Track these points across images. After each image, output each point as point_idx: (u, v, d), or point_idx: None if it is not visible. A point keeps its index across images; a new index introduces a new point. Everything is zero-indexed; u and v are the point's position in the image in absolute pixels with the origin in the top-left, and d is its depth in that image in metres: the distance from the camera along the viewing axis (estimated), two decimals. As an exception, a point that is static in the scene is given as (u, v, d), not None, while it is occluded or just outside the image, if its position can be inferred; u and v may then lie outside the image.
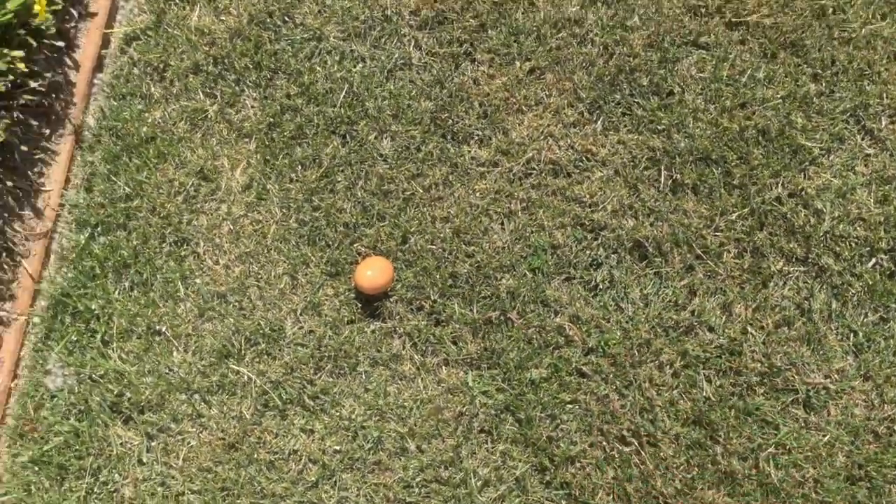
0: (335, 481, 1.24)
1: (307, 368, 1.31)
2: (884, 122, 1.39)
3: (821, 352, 1.27)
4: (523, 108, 1.42)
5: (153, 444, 1.29)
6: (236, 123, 1.39)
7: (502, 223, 1.37)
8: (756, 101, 1.40)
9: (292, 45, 1.42)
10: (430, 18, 1.44)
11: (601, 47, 1.44)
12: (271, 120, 1.39)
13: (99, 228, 1.34)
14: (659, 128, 1.40)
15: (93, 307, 1.30)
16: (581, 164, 1.39)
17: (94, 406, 1.29)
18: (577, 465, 1.24)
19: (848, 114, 1.39)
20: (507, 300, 1.33)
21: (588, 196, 1.37)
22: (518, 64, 1.43)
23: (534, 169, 1.40)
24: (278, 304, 1.33)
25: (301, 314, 1.33)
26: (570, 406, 1.26)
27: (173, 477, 1.25)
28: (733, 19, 1.45)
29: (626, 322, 1.31)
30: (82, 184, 1.37)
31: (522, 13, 1.44)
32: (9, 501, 1.24)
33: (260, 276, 1.34)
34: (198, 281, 1.33)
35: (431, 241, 1.36)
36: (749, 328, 1.28)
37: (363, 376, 1.31)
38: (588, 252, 1.34)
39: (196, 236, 1.35)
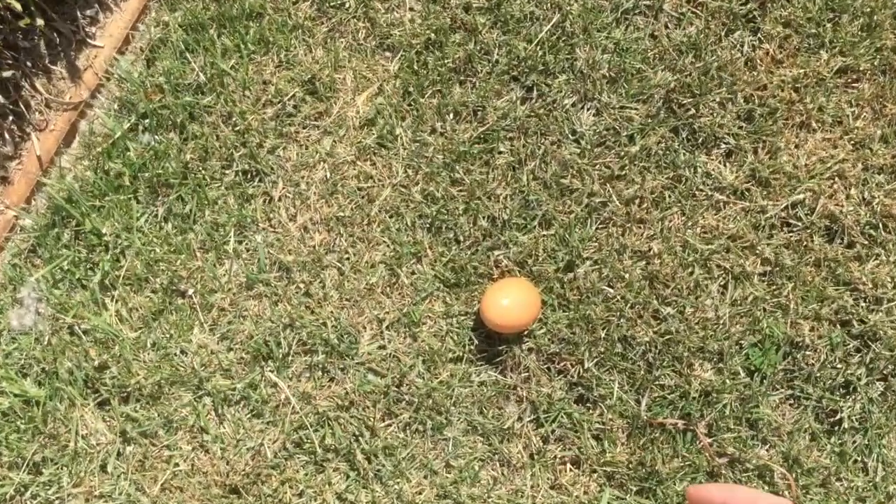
0: None
1: (373, 409, 0.93)
2: None
3: None
4: (813, 123, 1.01)
5: (128, 450, 0.97)
6: (382, 27, 1.03)
7: (725, 285, 0.99)
8: None
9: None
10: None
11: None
12: (432, 36, 1.02)
13: (147, 122, 1.01)
14: None
15: (104, 231, 0.98)
16: (875, 233, 1.00)
17: (64, 372, 0.96)
18: None
19: None
20: (697, 403, 0.99)
21: (870, 284, 0.96)
22: (824, 55, 1.00)
23: (799, 220, 0.98)
24: (360, 305, 0.98)
25: (389, 327, 0.98)
26: None
27: (140, 510, 0.90)
28: None
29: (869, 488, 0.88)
30: (145, 51, 1.03)
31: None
32: None
33: (347, 256, 0.99)
34: (258, 237, 0.98)
35: (610, 280, 0.98)
36: None
37: (450, 445, 0.95)
38: (842, 368, 0.92)
39: (276, 171, 1.00)
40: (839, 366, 1.04)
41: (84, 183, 1.08)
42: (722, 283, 1.07)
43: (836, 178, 1.07)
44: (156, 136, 1.09)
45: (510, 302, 0.99)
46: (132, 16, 1.11)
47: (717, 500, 0.39)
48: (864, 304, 1.04)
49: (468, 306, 1.07)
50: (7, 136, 1.07)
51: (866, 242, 1.06)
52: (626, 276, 1.06)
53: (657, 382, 1.05)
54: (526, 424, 1.04)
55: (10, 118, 1.08)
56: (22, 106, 1.08)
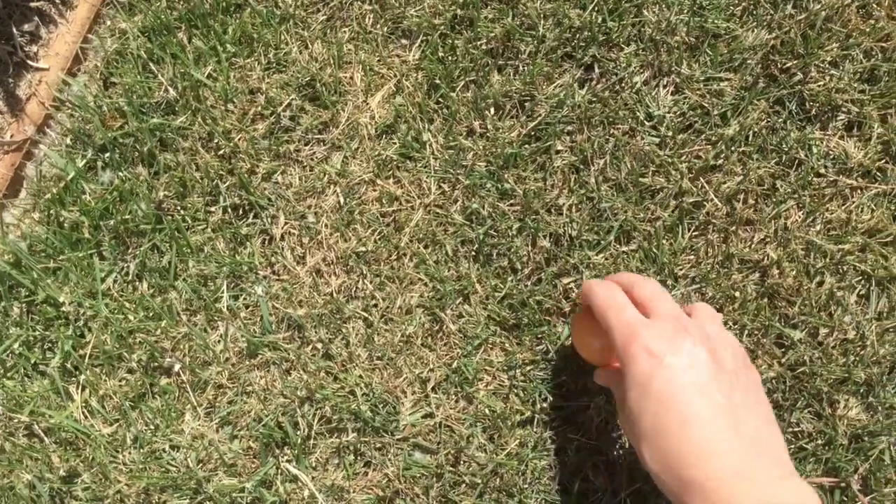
0: None
1: (424, 499, 0.82)
2: None
3: None
4: None
5: None
6: (394, 8, 0.96)
7: (866, 295, 1.02)
8: None
9: None
10: None
11: None
12: (458, 12, 0.93)
13: (107, 156, 0.91)
14: None
15: (62, 300, 0.87)
16: None
17: (22, 488, 0.88)
18: None
19: None
20: (846, 451, 0.95)
21: None
22: None
23: None
24: (396, 363, 0.87)
25: (436, 389, 0.87)
26: None
27: None
28: None
29: None
30: (100, 69, 0.94)
31: None
32: None
33: (374, 303, 0.88)
34: (258, 290, 0.87)
35: (717, 302, 0.87)
36: None
37: None
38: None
39: (275, 203, 0.90)
40: None
41: (34, 241, 0.97)
42: (862, 293, 0.94)
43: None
44: (119, 173, 0.98)
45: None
46: (81, 27, 1.01)
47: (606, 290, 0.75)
48: None
49: (534, 352, 0.94)
50: (-67, 189, 0.97)
51: None
52: (737, 294, 0.94)
53: (791, 430, 0.92)
54: (623, 500, 0.91)
55: (-63, 167, 0.98)
56: (-51, 150, 0.98)
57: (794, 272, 0.94)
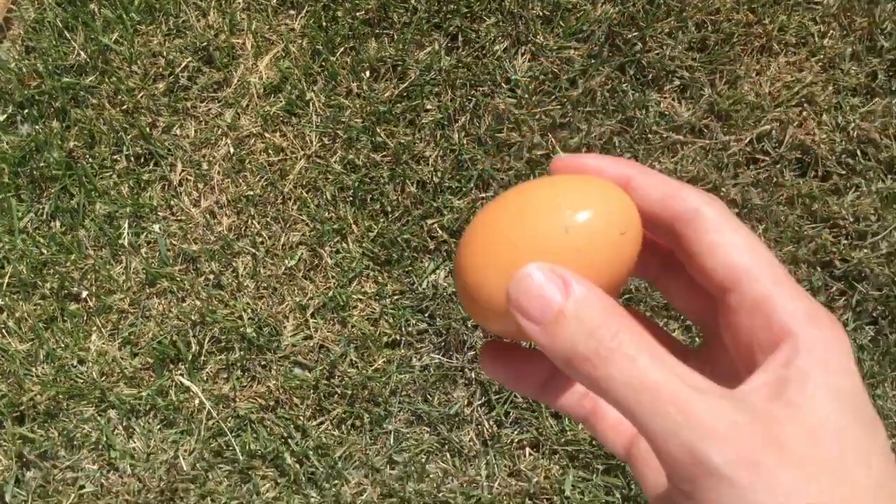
0: None
1: (302, 407, 1.05)
2: None
3: None
4: (774, 45, 1.16)
5: (28, 475, 1.11)
6: (280, -21, 1.16)
7: None
8: None
9: None
10: None
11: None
12: (338, -16, 1.14)
13: (24, 111, 1.14)
14: None
15: (-16, 232, 1.07)
16: (852, 161, 1.17)
17: None
18: None
19: None
20: None
21: (851, 218, 1.16)
22: None
23: (766, 154, 1.10)
24: (280, 292, 1.10)
25: (314, 315, 1.10)
26: None
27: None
28: None
29: None
30: (21, 36, 1.15)
31: None
32: None
33: (261, 239, 1.11)
34: (157, 227, 1.10)
35: None
36: None
37: (391, 438, 1.05)
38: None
39: (173, 152, 1.12)
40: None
41: (-42, 183, 1.19)
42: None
43: (805, 105, 1.18)
44: (36, 126, 1.20)
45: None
46: (6, 0, 1.23)
47: (591, 166, 0.35)
48: (845, 242, 1.15)
49: (401, 284, 1.16)
50: None
51: (844, 172, 1.16)
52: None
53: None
54: (476, 409, 1.14)
55: None
56: None
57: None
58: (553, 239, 0.33)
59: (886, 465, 0.28)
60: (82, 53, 1.23)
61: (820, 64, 1.20)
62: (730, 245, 0.32)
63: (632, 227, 0.34)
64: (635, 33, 1.22)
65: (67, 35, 1.24)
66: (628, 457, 0.38)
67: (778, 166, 1.18)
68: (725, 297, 0.32)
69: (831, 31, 1.21)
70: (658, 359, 0.29)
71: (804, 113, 1.19)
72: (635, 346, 0.29)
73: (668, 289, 0.38)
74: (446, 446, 1.14)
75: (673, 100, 1.21)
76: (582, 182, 0.35)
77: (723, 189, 1.17)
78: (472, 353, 1.15)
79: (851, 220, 1.15)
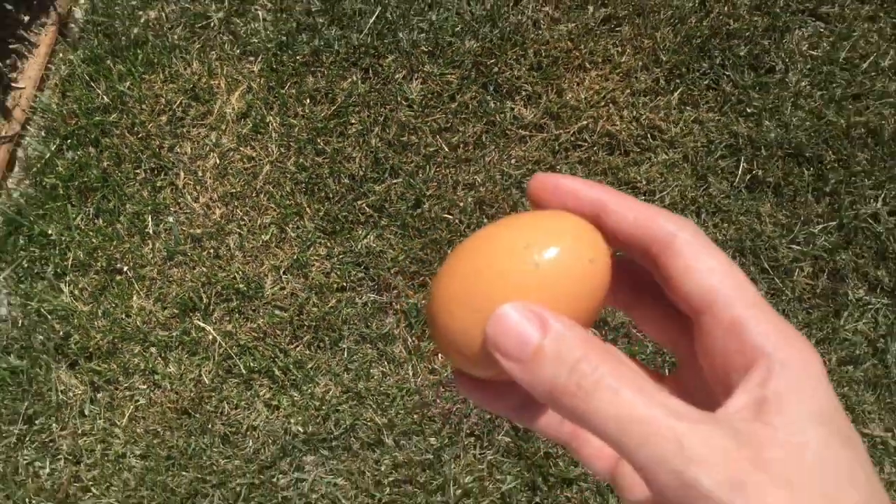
0: (293, 462, 1.48)
1: (282, 336, 1.55)
2: None
3: (887, 400, 1.45)
4: (587, 64, 1.62)
5: (98, 396, 1.55)
6: (242, 37, 1.63)
7: None
8: (874, 94, 1.58)
9: (318, -45, 1.66)
10: (488, -59, 1.67)
11: (697, 1, 1.62)
12: (284, 39, 1.62)
13: (69, 141, 1.60)
14: (748, 110, 1.59)
15: (49, 232, 1.57)
16: (644, 141, 1.59)
17: (38, 345, 1.55)
18: (575, 488, 1.45)
19: None
20: None
21: (645, 181, 1.57)
22: (591, 9, 1.64)
23: (585, 141, 1.60)
24: (260, 258, 1.57)
25: (284, 273, 1.57)
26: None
27: (116, 436, 1.52)
28: (865, -12, 1.62)
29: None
30: (58, 86, 1.63)
31: (601, -51, 1.65)
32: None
33: (243, 223, 1.58)
34: (171, 219, 1.58)
35: (448, 210, 1.58)
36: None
37: (345, 353, 1.55)
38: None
39: (177, 165, 1.59)
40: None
41: (28, 197, 1.69)
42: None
43: (610, 104, 1.71)
44: (77, 152, 1.69)
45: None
46: (43, 59, 1.71)
47: (567, 187, 0.36)
48: (643, 197, 1.68)
49: (343, 246, 1.69)
50: (-41, 169, 1.68)
51: (638, 150, 1.70)
52: (461, 204, 1.69)
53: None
54: (402, 329, 1.68)
55: (-41, 155, 1.68)
56: (-33, 144, 1.68)
57: (493, 189, 1.70)
58: (524, 276, 0.34)
59: (869, 481, 0.29)
60: (105, 98, 1.72)
61: (619, 75, 1.73)
62: (704, 269, 0.33)
63: (599, 255, 0.35)
64: (493, 60, 1.73)
65: (93, 84, 1.73)
66: (613, 479, 0.38)
67: (595, 148, 1.71)
68: (700, 319, 0.33)
69: (627, 51, 1.73)
70: (640, 389, 0.30)
71: (610, 110, 1.72)
72: (616, 378, 0.30)
73: (642, 317, 0.39)
74: (384, 357, 1.68)
75: (521, 106, 1.74)
76: (547, 218, 0.36)
77: (557, 166, 1.71)
78: (396, 291, 1.69)
79: (645, 182, 1.69)
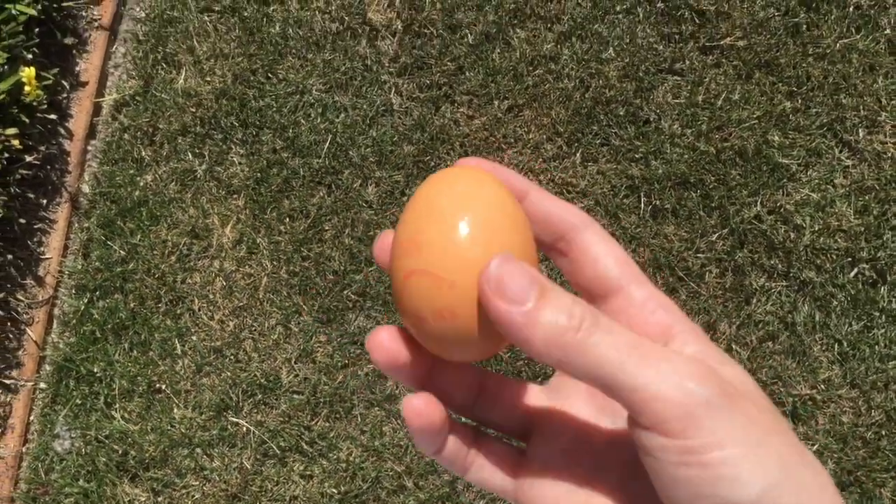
0: (339, 512, 1.75)
1: (304, 415, 1.83)
2: (861, 134, 1.92)
3: (806, 363, 1.77)
4: (503, 145, 1.97)
5: (160, 499, 1.81)
6: (225, 181, 1.96)
7: None
8: (732, 123, 1.94)
9: (276, 101, 2.01)
10: (409, 65, 2.03)
11: (577, 81, 2.00)
12: (258, 175, 1.96)
13: (97, 293, 1.89)
14: (636, 156, 1.94)
15: (95, 370, 1.85)
16: (562, 196, 1.93)
17: (101, 466, 1.82)
18: None
19: (825, 128, 1.93)
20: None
21: None
22: (496, 103, 1.99)
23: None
24: (273, 355, 1.86)
25: (295, 362, 1.86)
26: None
27: (183, 525, 1.77)
28: (707, 44, 2.01)
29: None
30: (80, 250, 1.93)
31: (499, 53, 2.02)
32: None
33: (254, 328, 1.87)
34: (194, 338, 1.87)
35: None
36: (734, 345, 1.79)
37: (359, 419, 1.82)
38: (565, 286, 1.90)
39: (190, 294, 1.90)
40: (564, 285, 2.02)
41: (71, 345, 1.97)
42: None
43: (529, 173, 2.06)
44: (107, 300, 1.99)
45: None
46: (63, 232, 2.02)
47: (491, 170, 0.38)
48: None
49: (340, 330, 2.00)
50: (11, 336, 1.96)
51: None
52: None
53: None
54: (401, 388, 1.97)
55: (8, 323, 1.97)
56: (14, 312, 1.97)
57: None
58: (464, 241, 0.34)
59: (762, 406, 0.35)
60: (122, 251, 2.03)
61: (530, 149, 2.09)
62: (606, 259, 0.38)
63: (509, 196, 0.38)
64: (428, 157, 2.08)
65: (109, 243, 2.04)
66: (516, 496, 0.41)
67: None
68: (600, 303, 0.39)
69: (532, 130, 2.09)
70: (628, 329, 0.34)
71: (529, 178, 2.07)
72: (605, 317, 0.34)
73: (486, 415, 0.43)
74: (391, 415, 1.96)
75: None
76: (459, 179, 0.38)
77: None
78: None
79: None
